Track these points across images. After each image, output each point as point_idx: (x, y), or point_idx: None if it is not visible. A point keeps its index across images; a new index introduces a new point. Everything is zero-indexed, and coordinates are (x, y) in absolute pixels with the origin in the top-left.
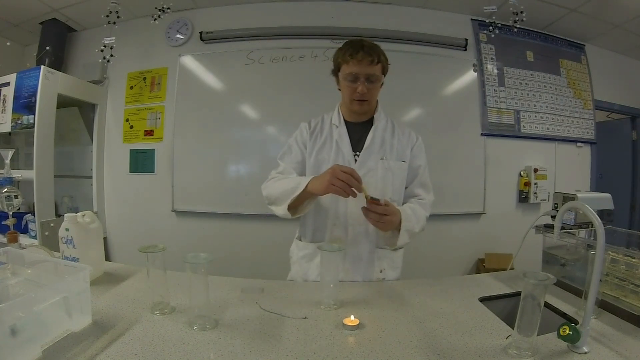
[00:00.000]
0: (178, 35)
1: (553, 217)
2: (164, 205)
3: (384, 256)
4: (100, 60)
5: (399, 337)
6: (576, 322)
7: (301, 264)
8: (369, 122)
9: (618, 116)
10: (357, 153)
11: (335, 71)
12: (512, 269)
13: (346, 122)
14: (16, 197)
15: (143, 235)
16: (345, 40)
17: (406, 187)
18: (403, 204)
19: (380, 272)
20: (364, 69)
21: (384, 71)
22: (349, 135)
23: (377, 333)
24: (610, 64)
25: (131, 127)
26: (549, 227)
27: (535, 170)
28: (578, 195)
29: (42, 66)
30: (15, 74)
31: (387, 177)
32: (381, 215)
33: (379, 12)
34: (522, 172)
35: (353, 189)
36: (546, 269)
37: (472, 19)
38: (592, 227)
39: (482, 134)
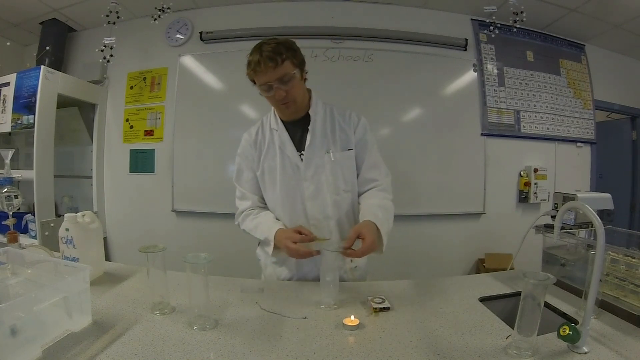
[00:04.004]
0: (178, 35)
1: (553, 217)
2: (164, 205)
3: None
4: (100, 60)
5: (399, 337)
6: (576, 322)
7: (274, 267)
8: (307, 118)
9: (618, 116)
10: (302, 152)
11: (253, 83)
12: (512, 269)
13: (284, 122)
14: (16, 197)
15: (143, 235)
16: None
17: (358, 174)
18: (361, 192)
19: (351, 261)
20: (271, 75)
21: (297, 63)
22: (290, 135)
23: (377, 333)
24: (610, 64)
25: (131, 127)
26: (549, 227)
27: (535, 170)
28: (578, 195)
29: (42, 66)
30: (15, 74)
31: (337, 170)
32: (364, 252)
33: (379, 12)
34: (522, 172)
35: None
36: (546, 269)
37: (472, 19)
38: (592, 227)
39: (482, 134)
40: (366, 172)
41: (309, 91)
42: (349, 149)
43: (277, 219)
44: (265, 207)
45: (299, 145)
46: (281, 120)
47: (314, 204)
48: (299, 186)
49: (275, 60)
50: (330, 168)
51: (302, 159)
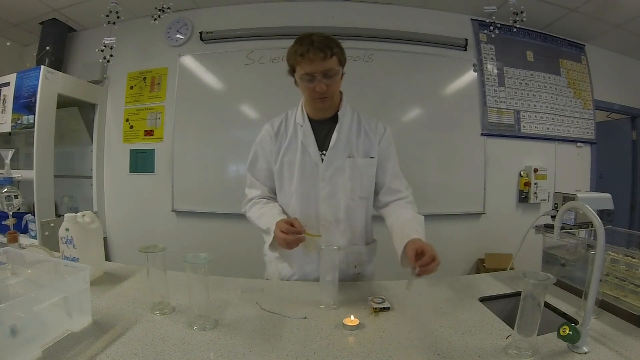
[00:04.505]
0: (178, 35)
1: (553, 217)
2: (164, 205)
3: (357, 251)
4: (100, 60)
5: (399, 337)
6: (576, 322)
7: (276, 263)
8: (334, 119)
9: (618, 116)
10: (324, 152)
11: (291, 72)
12: (512, 269)
13: (311, 119)
14: (16, 197)
15: (143, 235)
16: (297, 37)
17: (381, 183)
18: (384, 203)
19: (355, 267)
20: (318, 66)
21: (341, 62)
22: (314, 133)
23: (377, 333)
24: (610, 64)
25: (131, 127)
26: (549, 227)
27: (535, 170)
28: (578, 195)
29: (42, 66)
30: (15, 74)
31: (355, 176)
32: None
33: (379, 12)
34: (522, 172)
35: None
36: (546, 269)
37: (472, 19)
38: (592, 227)
39: (482, 134)
40: (391, 183)
41: (341, 93)
42: (371, 157)
43: (287, 214)
44: (273, 198)
45: (322, 145)
46: (308, 117)
47: (327, 206)
48: (315, 186)
49: (325, 52)
50: (350, 172)
51: (322, 159)
